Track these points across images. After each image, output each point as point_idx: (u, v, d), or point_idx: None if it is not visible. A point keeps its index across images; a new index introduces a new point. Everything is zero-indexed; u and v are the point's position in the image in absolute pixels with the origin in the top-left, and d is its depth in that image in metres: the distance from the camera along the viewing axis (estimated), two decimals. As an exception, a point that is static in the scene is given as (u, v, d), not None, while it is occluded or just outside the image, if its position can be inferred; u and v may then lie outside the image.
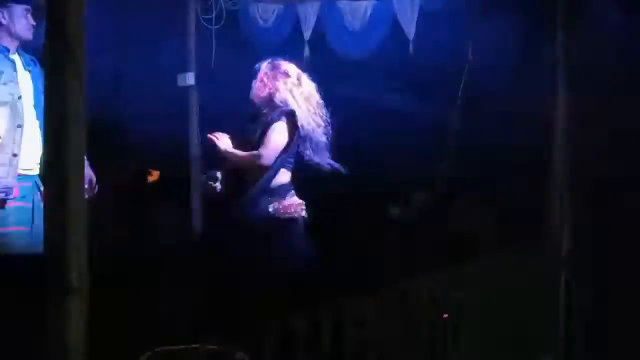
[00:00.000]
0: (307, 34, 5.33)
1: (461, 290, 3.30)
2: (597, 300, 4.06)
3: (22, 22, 3.74)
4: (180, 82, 5.54)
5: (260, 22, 5.45)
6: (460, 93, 4.78)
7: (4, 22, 3.70)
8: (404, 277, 3.17)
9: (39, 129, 3.73)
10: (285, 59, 4.62)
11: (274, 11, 5.40)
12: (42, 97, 3.44)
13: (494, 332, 3.49)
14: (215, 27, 4.97)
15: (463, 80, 4.74)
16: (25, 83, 3.79)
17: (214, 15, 5.10)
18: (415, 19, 4.97)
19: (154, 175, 7.58)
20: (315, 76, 5.59)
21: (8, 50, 3.75)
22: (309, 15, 5.30)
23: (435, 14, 5.01)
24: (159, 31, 5.16)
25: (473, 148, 4.69)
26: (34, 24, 3.80)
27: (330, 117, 4.35)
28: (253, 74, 4.34)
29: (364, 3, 5.09)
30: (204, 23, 5.46)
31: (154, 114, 6.64)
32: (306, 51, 5.33)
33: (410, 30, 4.97)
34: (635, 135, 5.12)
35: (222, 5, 5.15)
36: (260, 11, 5.44)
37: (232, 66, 5.88)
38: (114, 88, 5.75)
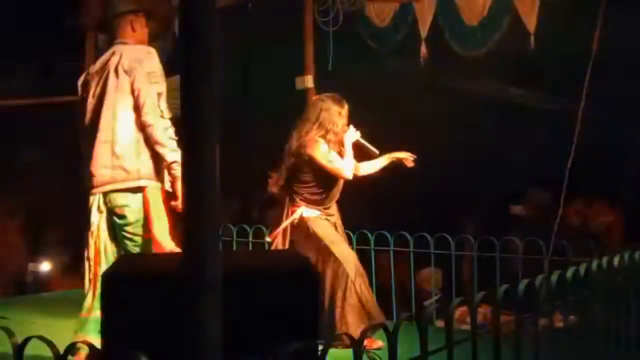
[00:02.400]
0: (423, 32, 5.29)
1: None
2: None
3: (145, 30, 3.92)
4: (298, 85, 5.64)
5: (377, 22, 5.46)
6: (585, 85, 4.61)
7: (135, 28, 3.85)
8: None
9: None
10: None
11: (390, 11, 5.40)
12: None
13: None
14: (333, 29, 5.02)
15: (588, 73, 4.57)
16: None
17: (331, 17, 5.16)
18: (536, 10, 4.83)
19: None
20: (432, 73, 5.57)
21: None
22: (425, 13, 5.26)
23: (556, 5, 4.86)
24: (278, 35, 5.26)
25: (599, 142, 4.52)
26: (161, 32, 4.07)
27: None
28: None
29: (482, -3, 5.01)
30: (322, 25, 5.54)
31: (274, 117, 6.81)
32: (423, 49, 5.29)
33: (531, 23, 4.84)
34: None
35: (339, 7, 5.20)
36: (376, 11, 5.46)
37: (350, 67, 5.93)
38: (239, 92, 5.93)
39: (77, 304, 3.75)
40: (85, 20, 5.68)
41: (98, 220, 3.75)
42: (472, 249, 5.27)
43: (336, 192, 4.58)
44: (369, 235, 5.50)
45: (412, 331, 2.25)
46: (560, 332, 3.05)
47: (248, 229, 5.88)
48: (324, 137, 4.45)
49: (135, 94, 3.70)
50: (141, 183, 3.71)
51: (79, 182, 3.84)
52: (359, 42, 5.56)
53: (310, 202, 4.49)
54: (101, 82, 3.81)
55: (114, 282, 2.04)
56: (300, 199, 4.49)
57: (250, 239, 5.86)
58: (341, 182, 4.55)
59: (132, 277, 2.13)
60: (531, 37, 4.83)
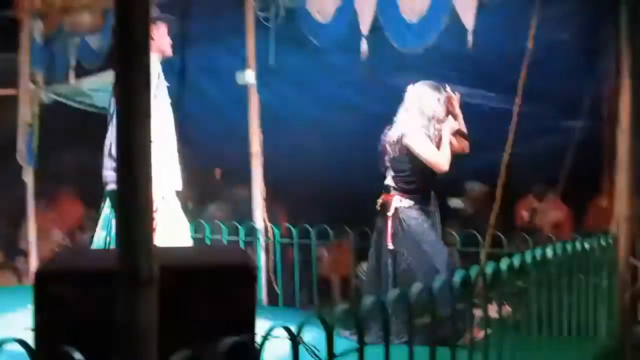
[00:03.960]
0: (364, 29, 5.33)
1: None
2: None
3: (166, 39, 4.16)
4: (239, 81, 5.62)
5: (318, 17, 5.47)
6: (520, 83, 4.71)
7: (154, 37, 4.03)
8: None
9: None
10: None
11: (331, 7, 5.42)
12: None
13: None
14: (274, 24, 5.01)
15: (523, 70, 4.68)
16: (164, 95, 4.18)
17: (271, 13, 5.15)
18: (474, 10, 4.92)
19: (217, 173, 7.73)
20: (374, 70, 5.61)
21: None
22: (366, 10, 5.30)
23: (494, 4, 4.96)
24: (217, 30, 5.23)
25: (533, 136, 4.63)
26: (172, 42, 4.23)
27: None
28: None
29: (422, -5, 5.07)
30: (263, 21, 5.53)
31: (215, 112, 6.77)
32: (364, 46, 5.33)
33: (468, 22, 4.92)
34: None
35: (280, 2, 5.20)
36: (317, 7, 5.47)
37: (291, 63, 5.94)
38: (177, 87, 5.87)
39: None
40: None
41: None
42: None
43: (433, 184, 4.54)
44: (310, 228, 5.54)
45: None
46: (495, 322, 3.12)
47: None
48: (424, 126, 4.44)
49: None
50: None
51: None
52: (301, 38, 5.57)
53: (405, 192, 4.45)
54: None
55: (45, 278, 2.01)
56: (395, 189, 4.47)
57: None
58: (437, 174, 4.49)
59: (64, 273, 2.10)
60: (469, 35, 4.92)
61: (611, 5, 4.50)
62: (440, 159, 4.42)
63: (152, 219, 1.56)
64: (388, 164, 4.53)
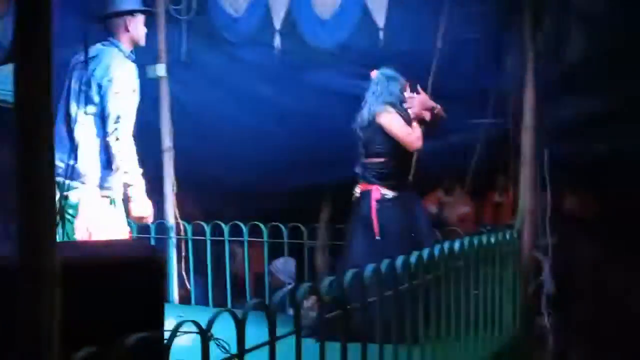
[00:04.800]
0: (277, 24, 5.32)
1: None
2: None
3: (141, 30, 4.24)
4: (150, 74, 5.52)
5: (231, 11, 5.43)
6: (430, 80, 4.82)
7: (129, 28, 4.16)
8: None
9: None
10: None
11: (244, 1, 5.39)
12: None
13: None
14: (185, 17, 4.94)
15: (433, 68, 4.78)
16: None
17: (183, 5, 5.08)
18: (385, 7, 5.00)
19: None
20: (286, 65, 5.61)
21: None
22: (280, 5, 5.30)
23: (405, 3, 5.05)
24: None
25: (442, 132, 4.74)
26: (147, 31, 4.32)
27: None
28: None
29: (334, -9, 5.11)
30: (174, 13, 5.44)
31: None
32: (277, 40, 5.33)
33: (380, 19, 5.00)
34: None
35: (191, -5, 5.13)
36: (230, 1, 5.43)
37: (204, 57, 5.87)
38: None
39: None
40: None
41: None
42: (324, 238, 5.38)
43: (409, 167, 4.52)
44: (223, 226, 5.49)
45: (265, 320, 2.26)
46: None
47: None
48: (394, 105, 4.43)
49: None
50: None
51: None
52: (213, 31, 5.51)
53: (383, 181, 4.40)
54: None
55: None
56: (373, 178, 4.41)
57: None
58: (413, 155, 4.48)
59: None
60: (380, 32, 4.99)
61: (515, 7, 4.65)
62: (412, 136, 4.45)
63: (54, 212, 1.52)
64: (362, 150, 4.53)
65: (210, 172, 5.15)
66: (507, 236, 4.32)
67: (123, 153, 4.01)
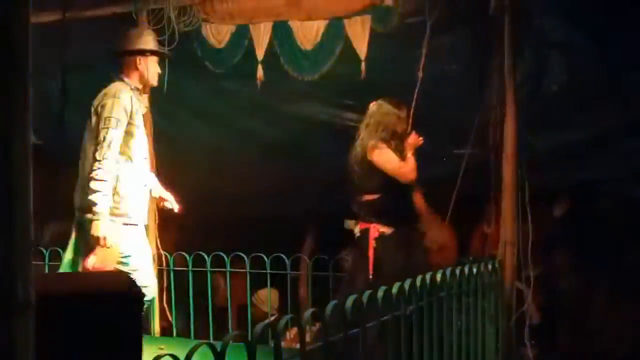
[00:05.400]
0: (260, 54, 5.35)
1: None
2: None
3: (153, 69, 4.38)
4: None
5: (214, 42, 5.46)
6: (411, 111, 4.85)
7: (139, 67, 4.31)
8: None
9: None
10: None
11: (226, 32, 5.42)
12: None
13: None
14: (168, 48, 4.96)
15: (414, 98, 4.82)
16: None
17: (166, 36, 5.09)
18: (367, 38, 5.04)
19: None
20: (269, 95, 5.63)
21: (139, 91, 4.35)
22: (262, 36, 5.33)
23: (386, 34, 5.09)
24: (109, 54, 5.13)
25: (423, 162, 4.77)
26: (160, 71, 4.48)
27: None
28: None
29: (315, 23, 5.15)
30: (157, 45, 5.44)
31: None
32: (259, 71, 5.35)
33: (361, 50, 5.04)
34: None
35: (175, 26, 5.15)
36: (213, 32, 5.45)
37: (186, 87, 5.88)
38: (60, 114, 5.71)
39: None
40: None
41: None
42: (307, 268, 5.36)
43: (408, 201, 4.50)
44: (205, 256, 5.45)
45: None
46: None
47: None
48: (386, 141, 4.36)
49: None
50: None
51: None
52: (196, 62, 5.53)
53: (381, 218, 4.36)
54: None
55: None
56: (370, 217, 4.38)
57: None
58: (411, 188, 4.47)
59: None
60: (362, 64, 5.03)
61: (496, 39, 4.71)
62: (405, 168, 4.45)
63: (30, 240, 1.49)
64: (358, 184, 4.51)
65: (193, 203, 5.11)
66: (490, 266, 4.32)
67: (97, 174, 4.01)
